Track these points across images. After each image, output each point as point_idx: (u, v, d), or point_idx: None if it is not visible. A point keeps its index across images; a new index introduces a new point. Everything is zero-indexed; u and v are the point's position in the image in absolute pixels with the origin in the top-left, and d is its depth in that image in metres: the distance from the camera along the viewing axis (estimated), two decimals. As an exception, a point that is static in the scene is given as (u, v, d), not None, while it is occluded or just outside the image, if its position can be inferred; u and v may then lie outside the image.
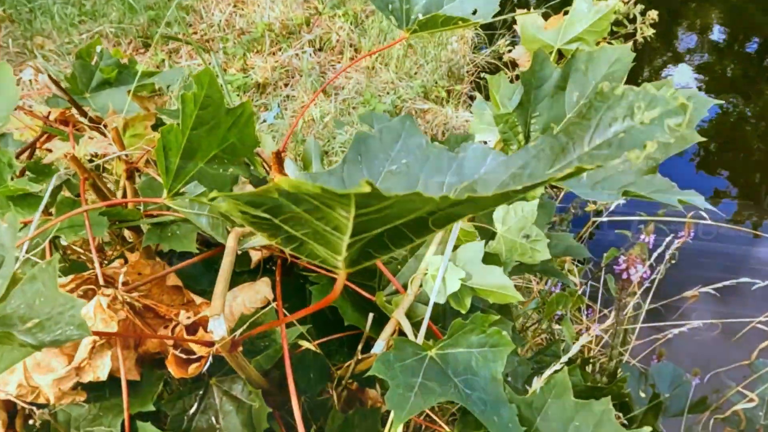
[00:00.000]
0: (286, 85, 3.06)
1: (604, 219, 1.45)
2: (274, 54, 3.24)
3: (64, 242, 0.84)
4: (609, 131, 0.25)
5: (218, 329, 0.47)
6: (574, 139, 0.27)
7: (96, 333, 0.46)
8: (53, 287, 0.29)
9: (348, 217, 0.22)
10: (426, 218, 0.27)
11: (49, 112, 0.86)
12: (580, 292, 1.72)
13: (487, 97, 0.93)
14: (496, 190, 0.22)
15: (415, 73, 3.18)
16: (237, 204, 0.24)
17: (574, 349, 0.57)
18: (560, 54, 0.95)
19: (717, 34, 4.25)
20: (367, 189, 0.17)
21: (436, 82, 3.11)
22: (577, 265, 1.92)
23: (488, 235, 0.73)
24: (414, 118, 0.42)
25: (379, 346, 0.56)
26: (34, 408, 0.52)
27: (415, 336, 0.57)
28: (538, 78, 0.73)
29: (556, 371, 0.54)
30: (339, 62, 3.18)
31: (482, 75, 3.37)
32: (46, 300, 0.29)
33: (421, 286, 0.62)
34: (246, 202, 0.23)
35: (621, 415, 0.79)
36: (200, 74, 0.62)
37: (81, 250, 0.82)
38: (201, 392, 0.62)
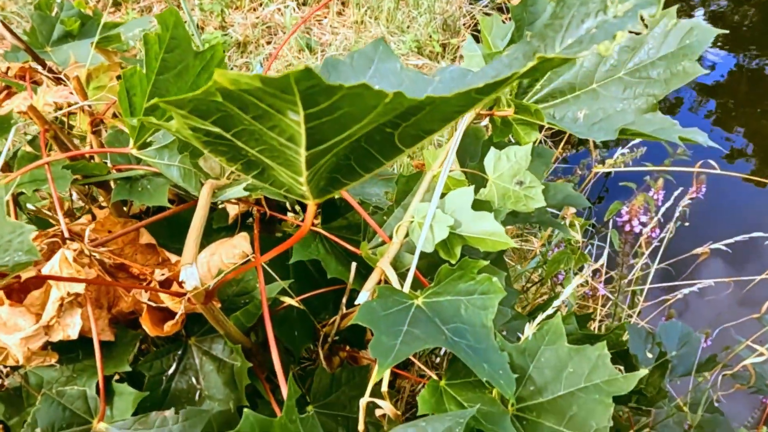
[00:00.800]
0: (268, 42, 3.02)
1: (609, 170, 1.45)
2: (254, 10, 3.19)
3: (32, 207, 0.84)
4: (581, 28, 0.25)
5: (190, 279, 0.47)
6: (546, 41, 0.27)
7: (60, 278, 0.46)
8: (0, 216, 0.29)
9: (299, 121, 0.22)
10: (391, 133, 0.27)
11: (8, 68, 0.85)
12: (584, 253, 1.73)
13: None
14: (456, 91, 0.22)
15: (408, 27, 3.13)
16: (185, 117, 0.24)
17: (568, 290, 0.58)
18: (557, -8, 0.94)
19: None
20: (301, 67, 0.17)
21: (431, 36, 3.07)
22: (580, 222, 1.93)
23: (480, 183, 0.73)
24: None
25: (363, 297, 0.57)
26: (2, 368, 0.52)
27: (402, 286, 0.58)
28: (530, 13, 0.73)
29: (549, 316, 0.55)
30: (325, 17, 3.13)
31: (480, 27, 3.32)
32: (-6, 231, 0.29)
33: (407, 235, 0.62)
34: (191, 111, 0.23)
35: (623, 369, 0.80)
36: (164, 14, 0.61)
37: (50, 213, 0.82)
38: (180, 352, 0.63)
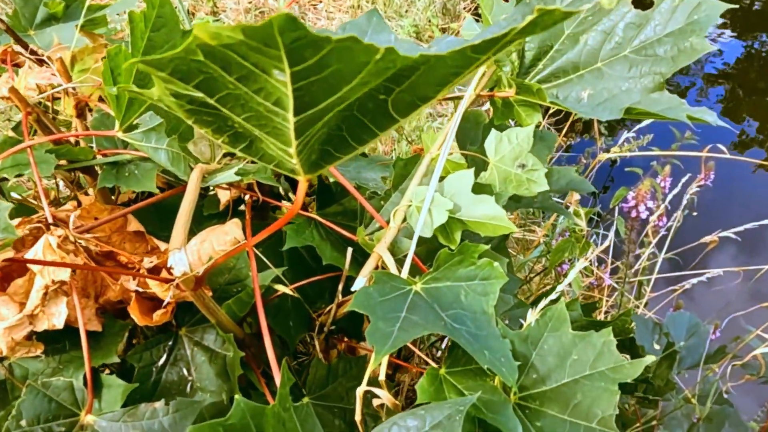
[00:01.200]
0: (262, 29, 3.01)
1: (615, 155, 1.44)
2: (247, -5, 3.17)
3: (17, 196, 0.83)
4: (584, -15, 0.24)
5: (179, 264, 0.47)
6: (546, 1, 0.26)
7: (43, 263, 0.46)
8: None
9: (285, 81, 0.21)
10: (384, 100, 0.26)
11: (-11, 51, 0.84)
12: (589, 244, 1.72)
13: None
14: (452, 49, 0.22)
15: (406, 11, 3.12)
16: (166, 81, 0.23)
17: (573, 273, 0.57)
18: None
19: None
20: (284, 13, 0.17)
21: (430, 21, 3.06)
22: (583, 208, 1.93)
23: (480, 166, 0.73)
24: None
25: (359, 283, 0.56)
26: (-15, 359, 0.52)
27: (399, 272, 0.57)
28: (532, -11, 0.72)
29: (552, 302, 0.55)
30: (320, 1, 3.11)
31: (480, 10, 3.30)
32: (-33, 208, 0.29)
33: (405, 220, 0.62)
34: (171, 73, 0.22)
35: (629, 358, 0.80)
36: (150, -10, 0.60)
37: (35, 202, 0.81)
38: (170, 343, 0.62)
